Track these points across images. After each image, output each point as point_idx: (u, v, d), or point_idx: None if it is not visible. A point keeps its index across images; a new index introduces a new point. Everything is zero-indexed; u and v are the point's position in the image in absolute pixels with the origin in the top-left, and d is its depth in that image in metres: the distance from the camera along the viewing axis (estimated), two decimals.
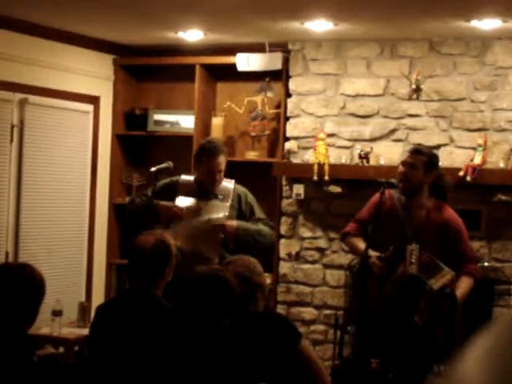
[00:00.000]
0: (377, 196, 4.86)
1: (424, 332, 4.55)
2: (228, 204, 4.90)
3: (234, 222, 4.82)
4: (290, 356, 3.23)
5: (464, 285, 4.64)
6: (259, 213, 5.00)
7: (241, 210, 4.93)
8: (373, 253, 4.63)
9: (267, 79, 6.39)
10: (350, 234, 4.93)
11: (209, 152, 4.85)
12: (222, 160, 4.88)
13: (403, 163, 4.76)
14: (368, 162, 5.99)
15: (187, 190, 4.92)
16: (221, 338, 3.02)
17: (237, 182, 5.07)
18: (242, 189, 5.02)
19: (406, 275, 4.48)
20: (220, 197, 4.90)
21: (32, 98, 5.97)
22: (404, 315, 4.52)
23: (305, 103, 6.31)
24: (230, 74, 6.53)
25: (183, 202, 4.88)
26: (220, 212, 4.87)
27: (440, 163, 5.85)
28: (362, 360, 4.70)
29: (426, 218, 4.73)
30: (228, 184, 4.97)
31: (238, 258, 3.62)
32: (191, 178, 4.99)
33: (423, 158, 4.73)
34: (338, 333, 5.30)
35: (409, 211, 4.72)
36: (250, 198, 5.01)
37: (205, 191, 4.91)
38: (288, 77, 6.35)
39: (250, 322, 3.27)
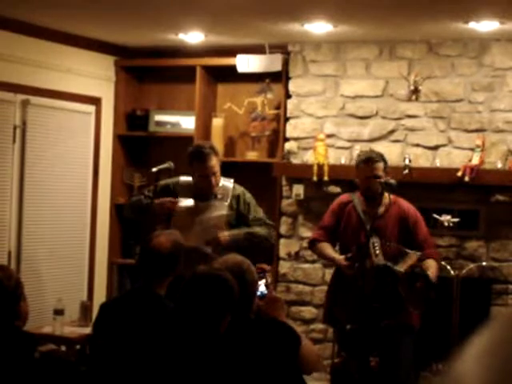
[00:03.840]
0: (338, 200, 5.03)
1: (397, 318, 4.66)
2: (227, 203, 4.91)
3: (226, 234, 4.83)
4: (291, 363, 3.25)
5: (432, 266, 4.73)
6: (257, 212, 4.97)
7: (239, 210, 4.94)
8: (339, 256, 4.80)
9: (267, 80, 6.42)
10: (318, 240, 5.01)
11: (198, 157, 4.81)
12: (214, 162, 4.82)
13: (368, 177, 4.79)
14: None
15: (186, 191, 4.93)
16: (221, 339, 3.04)
17: (237, 182, 5.09)
18: (240, 188, 5.03)
19: (374, 267, 4.57)
20: (219, 196, 4.91)
21: (34, 99, 6.01)
22: (382, 304, 4.62)
23: (304, 104, 6.35)
24: (230, 75, 6.56)
25: (182, 202, 4.90)
26: (219, 211, 4.89)
27: (438, 164, 5.94)
28: (357, 358, 4.76)
29: (384, 212, 4.83)
30: (227, 183, 4.98)
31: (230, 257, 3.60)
32: (190, 179, 5.01)
33: (382, 165, 4.82)
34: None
35: (368, 208, 4.83)
36: (248, 197, 5.01)
37: (202, 191, 4.93)
38: (288, 78, 6.39)
39: (249, 327, 3.27)
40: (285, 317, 3.55)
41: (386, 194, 4.83)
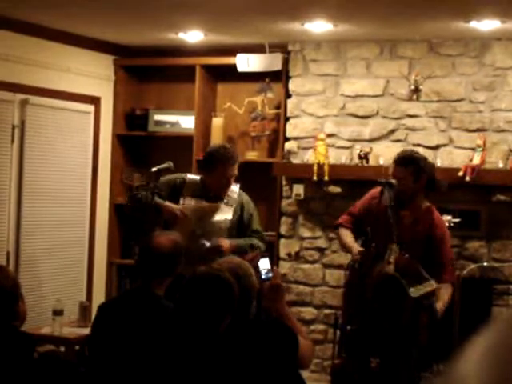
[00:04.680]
0: (373, 191, 4.91)
1: (407, 334, 4.58)
2: (232, 208, 4.91)
3: (228, 242, 4.81)
4: (290, 364, 3.23)
5: (444, 295, 4.64)
6: (256, 224, 5.01)
7: (242, 217, 4.94)
8: (356, 248, 4.71)
9: (267, 80, 6.41)
10: (342, 225, 4.99)
11: (228, 160, 4.79)
12: (237, 166, 4.89)
13: (392, 176, 4.78)
14: (367, 162, 6.01)
15: (193, 190, 4.91)
16: (220, 340, 3.02)
17: (236, 181, 5.07)
18: (245, 196, 5.03)
19: (382, 273, 4.51)
20: (225, 200, 4.91)
21: (33, 98, 5.99)
22: (382, 314, 4.56)
23: (305, 104, 6.33)
24: (230, 74, 6.55)
25: (188, 202, 4.88)
26: (224, 215, 4.87)
27: (439, 163, 5.91)
28: (357, 359, 4.74)
29: (415, 222, 4.74)
30: (233, 187, 4.97)
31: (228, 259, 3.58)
32: (197, 177, 4.98)
33: (409, 169, 4.69)
34: (338, 332, 5.33)
35: (398, 213, 4.72)
36: (252, 207, 5.02)
37: (210, 193, 4.91)
38: (288, 77, 6.38)
39: (247, 328, 3.24)
40: (285, 306, 3.53)
41: (423, 199, 4.76)
